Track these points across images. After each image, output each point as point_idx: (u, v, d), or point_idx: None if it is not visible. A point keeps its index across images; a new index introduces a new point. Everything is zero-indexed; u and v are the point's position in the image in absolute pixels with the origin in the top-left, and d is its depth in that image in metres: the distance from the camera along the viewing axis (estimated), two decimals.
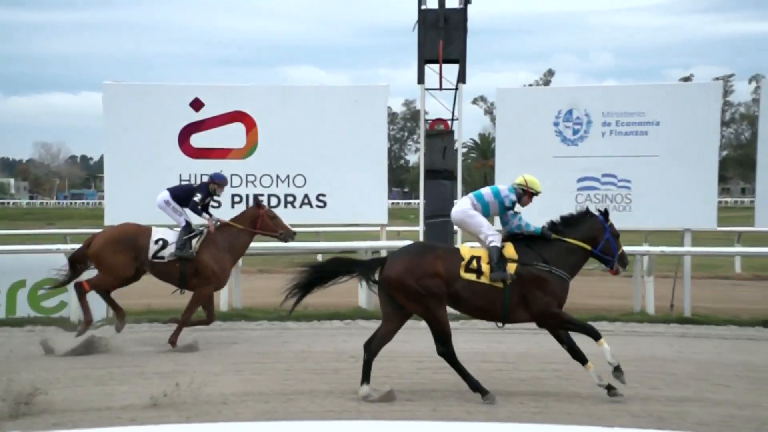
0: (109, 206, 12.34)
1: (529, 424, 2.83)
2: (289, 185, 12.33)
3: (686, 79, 58.27)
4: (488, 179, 47.98)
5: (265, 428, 2.82)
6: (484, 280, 7.07)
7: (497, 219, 7.88)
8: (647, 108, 12.07)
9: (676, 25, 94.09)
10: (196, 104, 12.23)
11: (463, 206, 7.63)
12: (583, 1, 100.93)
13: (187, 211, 9.93)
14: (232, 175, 12.13)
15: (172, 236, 9.68)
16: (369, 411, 6.50)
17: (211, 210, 10.20)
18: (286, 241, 10.36)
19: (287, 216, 11.74)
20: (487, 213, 7.54)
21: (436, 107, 13.44)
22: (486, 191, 7.62)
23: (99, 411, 6.56)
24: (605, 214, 7.56)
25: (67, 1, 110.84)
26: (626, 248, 12.88)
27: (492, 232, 7.34)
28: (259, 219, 10.01)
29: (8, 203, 71.50)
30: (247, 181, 12.27)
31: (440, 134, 13.26)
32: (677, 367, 8.06)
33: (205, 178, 10.59)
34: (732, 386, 7.38)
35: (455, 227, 11.14)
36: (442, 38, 12.41)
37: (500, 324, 7.41)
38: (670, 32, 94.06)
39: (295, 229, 10.36)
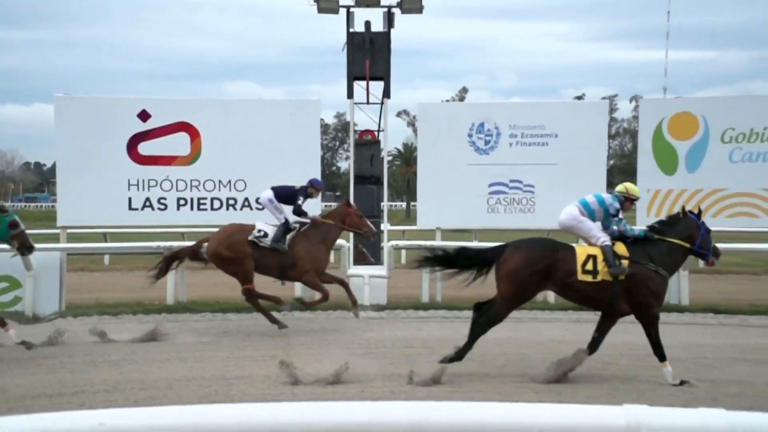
0: (61, 209, 11.95)
1: (447, 402, 2.92)
2: (230, 189, 12.15)
3: (579, 97, 59.93)
4: (411, 184, 48.24)
5: (207, 410, 2.78)
6: (600, 277, 7.02)
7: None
8: (547, 122, 12.36)
9: (569, 52, 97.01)
10: (143, 115, 11.93)
11: (572, 212, 7.45)
12: (491, 28, 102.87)
13: (286, 209, 9.88)
14: (177, 180, 11.95)
15: (271, 230, 9.67)
16: (303, 393, 6.47)
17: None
18: (368, 239, 10.37)
19: (230, 218, 11.60)
20: (592, 219, 7.45)
21: (364, 119, 13.55)
22: (591, 199, 7.51)
23: (51, 397, 6.37)
24: (698, 213, 7.50)
25: (16, 20, 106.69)
26: None
27: (602, 234, 7.29)
28: (348, 217, 9.98)
29: None
30: (191, 186, 12.02)
31: (368, 144, 13.34)
32: (572, 348, 8.25)
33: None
34: (616, 363, 7.63)
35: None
36: (369, 58, 12.47)
37: (599, 312, 7.41)
38: (565, 57, 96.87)
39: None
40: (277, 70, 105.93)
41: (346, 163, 63.43)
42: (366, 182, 13.03)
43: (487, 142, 12.43)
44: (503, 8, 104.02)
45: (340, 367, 6.85)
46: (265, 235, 9.62)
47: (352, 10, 12.58)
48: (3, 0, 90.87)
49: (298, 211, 9.87)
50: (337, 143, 73.21)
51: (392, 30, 12.64)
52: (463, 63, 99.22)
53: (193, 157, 12.05)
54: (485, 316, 7.21)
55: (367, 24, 12.68)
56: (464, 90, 71.57)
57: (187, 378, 7.06)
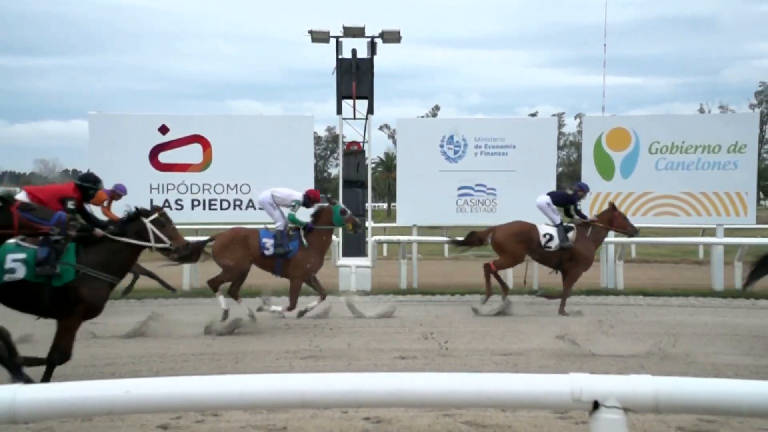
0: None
1: (421, 373, 2.94)
2: (237, 192, 12.12)
3: (533, 114, 59.68)
4: (391, 187, 48.22)
5: (217, 380, 2.79)
6: None
7: None
8: (506, 135, 12.44)
9: (524, 75, 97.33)
10: (163, 129, 11.92)
11: None
12: (458, 55, 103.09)
13: (551, 213, 9.69)
14: (192, 184, 11.91)
15: (554, 231, 9.45)
16: (299, 367, 6.47)
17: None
18: (632, 236, 10.13)
19: (237, 217, 11.56)
20: None
21: (351, 132, 13.47)
22: None
23: (85, 367, 6.32)
24: None
25: (56, 50, 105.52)
26: None
27: None
28: (614, 219, 9.79)
29: None
30: (204, 189, 12.00)
31: (354, 153, 13.30)
32: (527, 326, 8.34)
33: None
34: (562, 339, 7.67)
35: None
36: (355, 80, 12.46)
37: None
38: (521, 80, 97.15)
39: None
40: (275, 90, 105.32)
41: (335, 170, 63.15)
42: (353, 186, 13.01)
43: (456, 152, 12.49)
44: (469, 39, 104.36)
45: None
46: (551, 238, 9.41)
47: (340, 39, 12.58)
48: (43, 33, 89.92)
49: (578, 213, 9.79)
50: (328, 153, 72.82)
51: (375, 56, 12.63)
52: (435, 84, 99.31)
53: (205, 164, 12.02)
54: None
55: (354, 51, 12.68)
56: (436, 107, 71.25)
57: (201, 353, 7.03)
